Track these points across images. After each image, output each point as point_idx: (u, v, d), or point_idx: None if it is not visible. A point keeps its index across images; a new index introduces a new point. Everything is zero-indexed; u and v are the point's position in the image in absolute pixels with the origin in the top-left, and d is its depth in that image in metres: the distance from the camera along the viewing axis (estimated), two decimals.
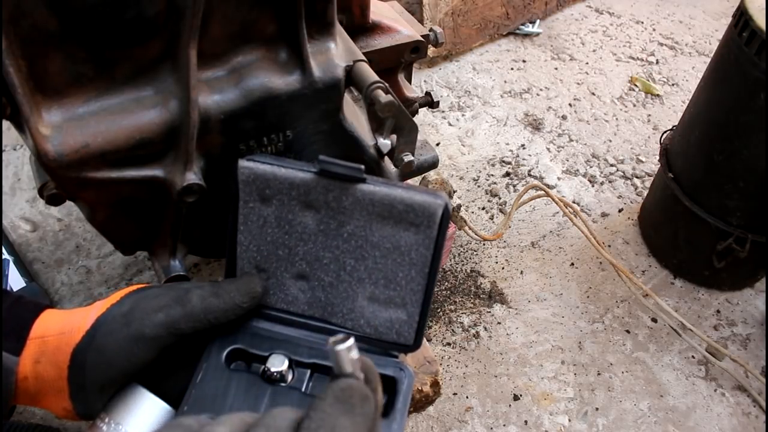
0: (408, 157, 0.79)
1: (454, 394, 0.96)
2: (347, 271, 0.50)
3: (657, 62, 1.71)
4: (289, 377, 0.49)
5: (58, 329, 0.48)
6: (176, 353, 0.49)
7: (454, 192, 1.01)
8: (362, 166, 0.47)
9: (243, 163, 0.49)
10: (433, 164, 0.92)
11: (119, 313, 0.47)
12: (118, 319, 0.46)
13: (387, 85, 0.63)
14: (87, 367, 0.46)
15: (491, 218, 1.24)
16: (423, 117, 1.46)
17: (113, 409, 0.47)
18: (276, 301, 0.52)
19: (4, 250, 1.05)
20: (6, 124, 0.53)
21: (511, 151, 1.40)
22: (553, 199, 1.06)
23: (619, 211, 1.28)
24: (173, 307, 0.47)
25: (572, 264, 1.17)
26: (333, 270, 0.51)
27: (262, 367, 0.49)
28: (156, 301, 0.47)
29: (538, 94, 1.57)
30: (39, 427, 0.74)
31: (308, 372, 0.49)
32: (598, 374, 1.00)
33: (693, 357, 1.04)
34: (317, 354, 0.50)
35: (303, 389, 0.48)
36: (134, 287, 0.50)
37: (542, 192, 1.09)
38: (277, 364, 0.48)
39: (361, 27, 0.78)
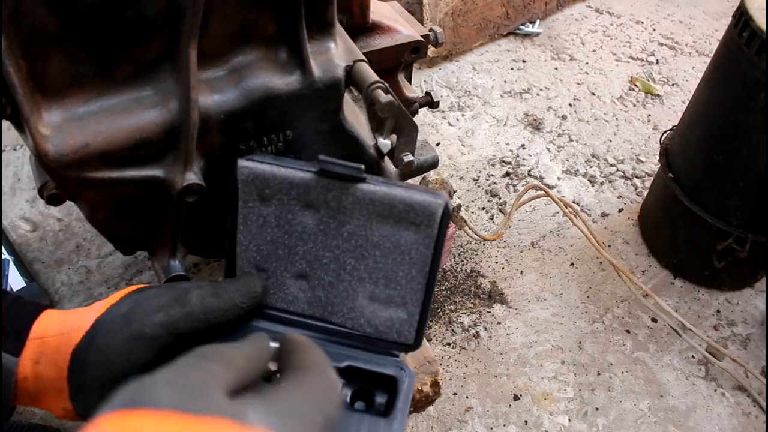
0: (408, 157, 0.79)
1: (454, 394, 0.96)
2: (347, 271, 0.50)
3: (657, 62, 1.71)
4: None
5: (58, 330, 0.48)
6: (176, 353, 0.48)
7: (454, 192, 1.01)
8: (362, 166, 0.47)
9: (242, 162, 0.49)
10: (433, 164, 0.92)
11: (119, 313, 0.47)
12: (118, 319, 0.46)
13: (387, 85, 0.63)
14: (87, 368, 0.46)
15: (491, 218, 1.24)
16: (423, 117, 1.46)
17: None
18: (276, 300, 0.52)
19: (4, 250, 1.05)
20: (6, 124, 0.53)
21: (511, 151, 1.40)
22: (553, 199, 1.06)
23: (619, 211, 1.28)
24: (173, 307, 0.47)
25: (572, 264, 1.17)
26: (333, 269, 0.51)
27: None
28: (156, 301, 0.47)
29: (538, 94, 1.57)
30: (39, 427, 0.74)
31: None
32: (598, 374, 1.00)
33: (693, 357, 1.04)
34: None
35: None
36: (134, 287, 0.50)
37: (542, 192, 1.09)
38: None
39: (361, 27, 0.78)
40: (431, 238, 0.48)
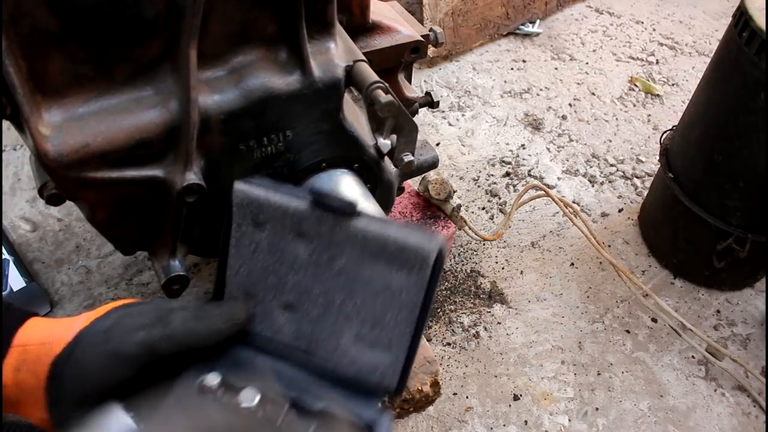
0: (408, 157, 0.79)
1: (454, 394, 0.96)
2: (336, 307, 0.49)
3: (657, 62, 1.71)
4: (264, 409, 0.47)
5: (40, 339, 0.47)
6: (156, 373, 0.48)
7: (454, 192, 1.01)
8: (355, 201, 0.46)
9: (238, 185, 0.48)
10: (433, 164, 0.92)
11: (101, 328, 0.46)
12: (98, 334, 0.46)
13: (387, 85, 0.63)
14: (64, 380, 0.45)
15: (491, 218, 1.24)
16: (423, 117, 1.46)
17: (86, 428, 0.46)
18: (262, 329, 0.51)
19: (4, 250, 1.05)
20: (6, 124, 0.53)
21: (511, 151, 1.40)
22: (553, 199, 1.06)
23: (619, 211, 1.28)
24: (155, 326, 0.46)
25: (572, 264, 1.17)
26: (321, 304, 0.49)
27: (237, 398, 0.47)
28: (138, 319, 0.47)
29: (538, 94, 1.57)
30: (38, 427, 0.74)
31: (286, 405, 0.48)
32: (598, 374, 1.00)
33: (693, 357, 1.04)
34: (297, 387, 0.48)
35: (278, 423, 0.47)
36: (123, 302, 0.50)
37: (542, 192, 1.09)
38: (248, 399, 0.45)
39: (361, 27, 0.78)
40: (423, 281, 0.47)
